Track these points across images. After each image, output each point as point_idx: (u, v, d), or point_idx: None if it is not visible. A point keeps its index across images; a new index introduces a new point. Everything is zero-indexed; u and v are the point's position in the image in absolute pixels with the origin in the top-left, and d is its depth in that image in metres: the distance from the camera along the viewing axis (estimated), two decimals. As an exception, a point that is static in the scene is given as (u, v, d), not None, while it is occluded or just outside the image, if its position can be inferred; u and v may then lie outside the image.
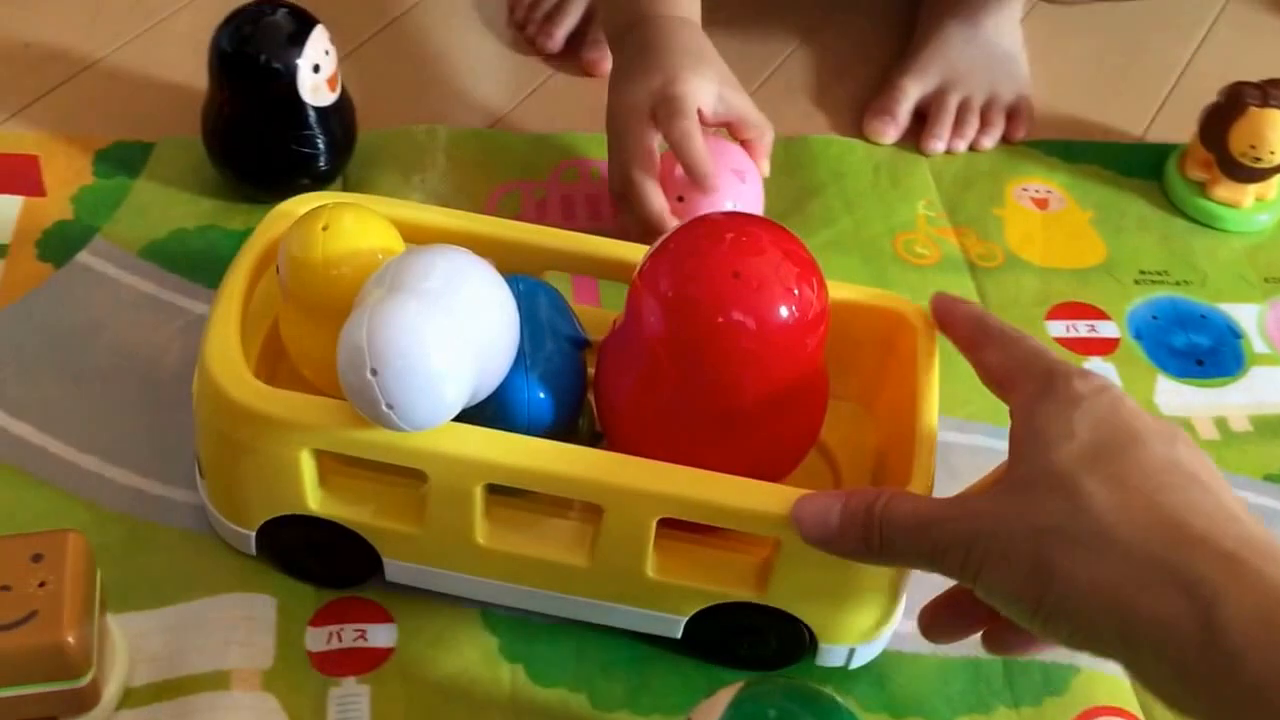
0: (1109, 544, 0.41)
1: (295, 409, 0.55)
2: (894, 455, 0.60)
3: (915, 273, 0.80)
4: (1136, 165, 0.89)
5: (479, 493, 0.55)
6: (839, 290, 0.60)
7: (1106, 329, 0.79)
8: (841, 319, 0.58)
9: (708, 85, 0.73)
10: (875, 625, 0.58)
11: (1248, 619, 0.38)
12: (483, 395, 0.55)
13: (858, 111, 0.91)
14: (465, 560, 0.58)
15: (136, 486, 0.64)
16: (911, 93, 0.90)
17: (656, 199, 0.71)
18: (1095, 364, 0.76)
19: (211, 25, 0.73)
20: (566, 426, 0.58)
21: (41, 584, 0.53)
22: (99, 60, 0.87)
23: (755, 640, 0.59)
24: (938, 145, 0.88)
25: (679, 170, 0.71)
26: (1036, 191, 0.87)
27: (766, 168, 0.74)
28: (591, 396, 0.60)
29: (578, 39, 0.92)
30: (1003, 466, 0.49)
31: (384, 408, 0.50)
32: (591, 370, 0.60)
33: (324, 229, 0.56)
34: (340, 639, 0.59)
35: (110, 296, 0.72)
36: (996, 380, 0.52)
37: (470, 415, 0.55)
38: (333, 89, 0.75)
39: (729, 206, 0.70)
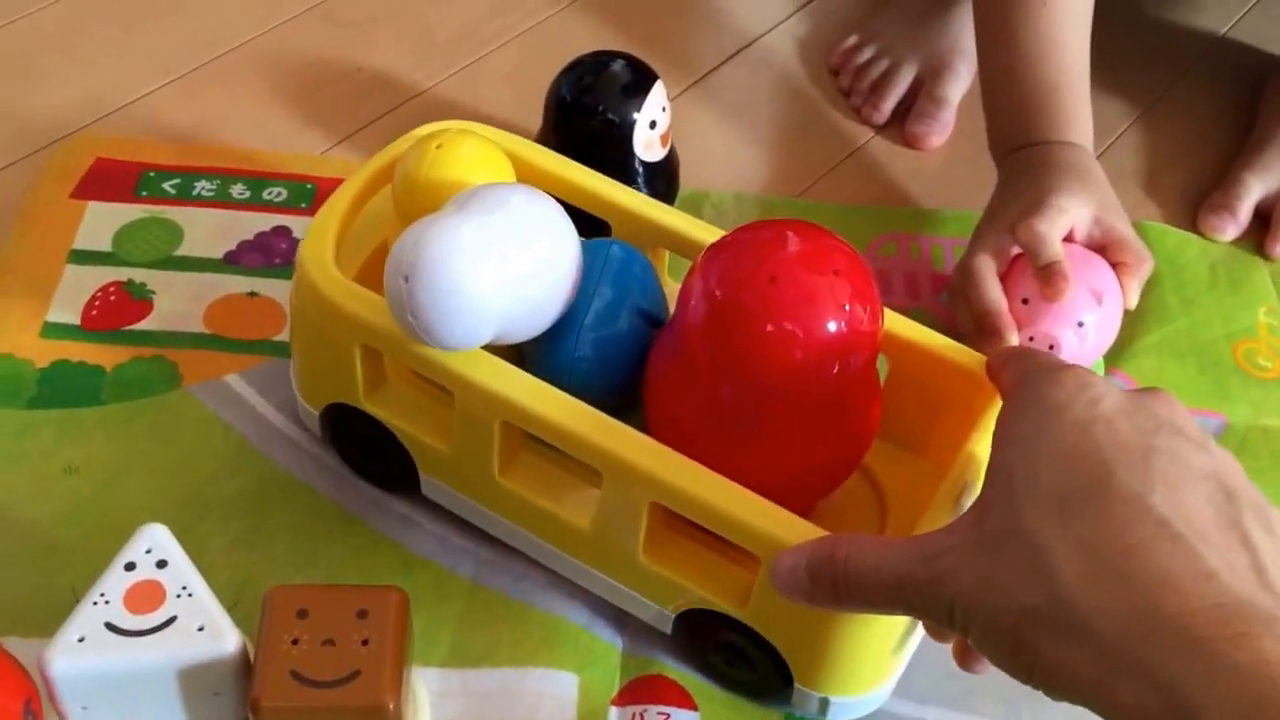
0: (1085, 635, 0.40)
1: (356, 302, 0.58)
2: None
3: (1258, 387, 0.74)
4: None
5: (498, 428, 0.57)
6: (924, 336, 0.59)
7: None
8: (927, 373, 0.59)
9: (1083, 206, 0.69)
10: (859, 678, 0.56)
11: None
12: (516, 337, 0.55)
13: (1192, 202, 0.85)
14: (485, 493, 0.60)
15: (443, 534, 0.64)
16: (1254, 189, 0.84)
17: (993, 291, 0.67)
18: None
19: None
20: (614, 396, 0.58)
21: (365, 641, 0.52)
22: (425, 90, 0.88)
23: (738, 660, 0.58)
24: None
25: (1029, 272, 0.67)
26: (1388, 308, 0.80)
27: (1134, 299, 0.69)
28: None
29: (904, 109, 0.89)
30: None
31: (409, 316, 0.52)
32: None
33: (437, 148, 0.58)
34: (643, 720, 0.58)
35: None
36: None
37: (521, 357, 0.57)
38: (664, 145, 0.73)
39: (1078, 323, 0.66)
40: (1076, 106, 0.74)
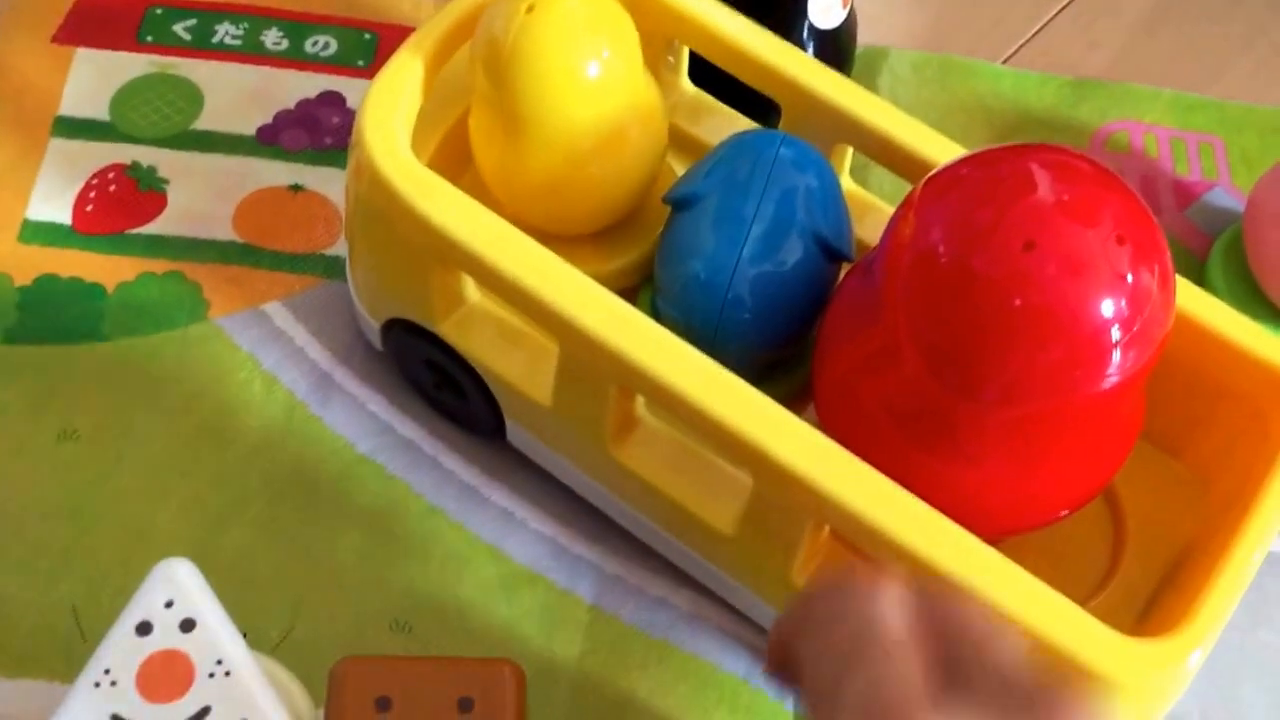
0: None
1: (433, 200, 0.44)
2: (1201, 562, 0.43)
3: None
4: None
5: (613, 393, 0.44)
6: (1204, 305, 0.45)
7: None
8: (1204, 355, 0.45)
9: None
10: None
11: None
12: None
13: None
14: (594, 464, 0.48)
15: (553, 537, 0.49)
16: None
17: None
18: None
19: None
20: (773, 351, 0.46)
21: (471, 750, 0.38)
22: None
23: None
24: None
25: None
26: None
27: None
28: None
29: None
30: None
31: None
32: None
33: (528, 10, 0.45)
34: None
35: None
36: None
37: (652, 290, 0.47)
38: (844, 6, 0.55)
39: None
40: None
